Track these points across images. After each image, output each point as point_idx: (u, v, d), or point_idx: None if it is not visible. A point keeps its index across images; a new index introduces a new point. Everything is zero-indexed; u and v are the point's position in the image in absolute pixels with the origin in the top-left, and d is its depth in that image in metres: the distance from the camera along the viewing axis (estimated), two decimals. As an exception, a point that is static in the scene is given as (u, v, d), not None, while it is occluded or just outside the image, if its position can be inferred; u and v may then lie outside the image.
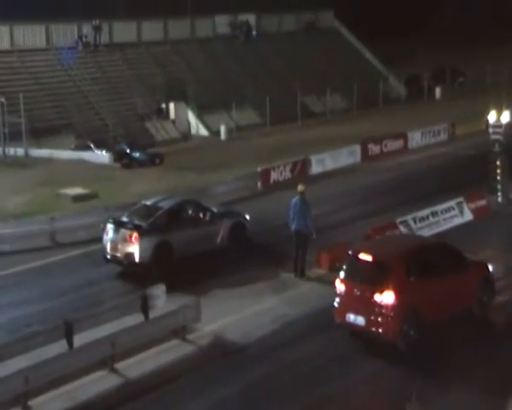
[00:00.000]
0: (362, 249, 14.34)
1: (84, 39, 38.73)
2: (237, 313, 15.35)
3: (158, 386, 12.70)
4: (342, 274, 14.12)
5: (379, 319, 13.30)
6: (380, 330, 13.35)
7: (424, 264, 13.89)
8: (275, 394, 12.37)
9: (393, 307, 13.22)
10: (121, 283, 17.48)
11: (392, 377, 12.80)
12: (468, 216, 21.11)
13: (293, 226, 17.24)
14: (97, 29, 39.21)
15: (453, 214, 20.74)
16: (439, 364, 13.08)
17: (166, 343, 14.06)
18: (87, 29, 39.07)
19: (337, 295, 14.07)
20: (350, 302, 13.78)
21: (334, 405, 11.98)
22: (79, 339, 13.22)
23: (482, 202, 21.81)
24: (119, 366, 13.20)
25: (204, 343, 14.20)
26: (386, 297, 13.27)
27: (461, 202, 21.13)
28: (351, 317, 13.73)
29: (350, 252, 14.50)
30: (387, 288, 13.27)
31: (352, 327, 13.90)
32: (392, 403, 11.77)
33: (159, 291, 15.04)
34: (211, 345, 14.15)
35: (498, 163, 22.54)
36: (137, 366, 13.30)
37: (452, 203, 20.97)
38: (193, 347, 14.09)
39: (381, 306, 13.28)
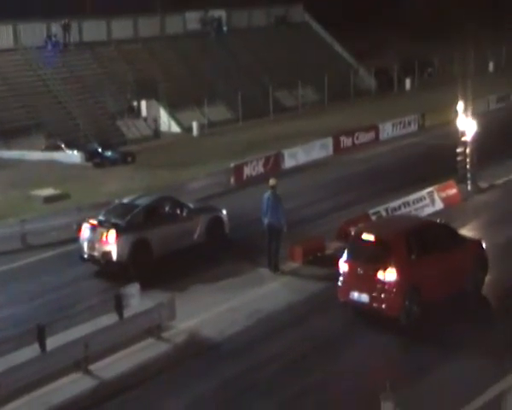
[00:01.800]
0: (364, 230, 14.92)
1: (53, 39, 38.30)
2: (212, 310, 15.35)
3: (134, 386, 12.64)
4: (345, 255, 14.63)
5: (382, 296, 13.90)
6: (383, 307, 13.94)
7: (424, 242, 14.52)
8: (251, 389, 12.39)
9: (396, 283, 13.81)
10: (96, 282, 17.40)
11: (370, 369, 12.93)
12: (439, 205, 21.37)
13: (265, 221, 17.27)
14: (66, 28, 38.81)
15: (424, 204, 20.97)
16: (438, 338, 13.55)
17: (141, 342, 14.00)
18: (56, 28, 38.64)
19: (340, 274, 14.59)
20: (353, 281, 14.35)
21: (310, 397, 12.03)
22: (53, 342, 13.10)
23: (452, 191, 22.08)
24: (93, 367, 13.11)
25: (179, 341, 14.17)
26: (389, 275, 13.86)
27: (432, 192, 21.37)
28: (355, 295, 14.29)
29: (352, 233, 15.26)
30: (390, 266, 13.88)
31: (356, 305, 14.43)
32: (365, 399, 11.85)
33: (133, 290, 14.96)
34: (186, 342, 14.12)
35: (467, 152, 22.81)
36: (112, 366, 13.22)
37: (423, 193, 21.20)
38: (168, 345, 14.06)
39: (383, 283, 13.89)
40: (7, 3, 38.80)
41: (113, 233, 17.18)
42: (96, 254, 17.46)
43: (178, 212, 18.55)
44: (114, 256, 17.17)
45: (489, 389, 11.71)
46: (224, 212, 19.35)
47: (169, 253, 17.76)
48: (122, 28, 41.63)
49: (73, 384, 12.66)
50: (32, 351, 12.87)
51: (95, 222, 17.78)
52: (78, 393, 12.44)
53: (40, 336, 13.06)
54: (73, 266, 18.12)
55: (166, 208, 18.52)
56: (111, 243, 17.15)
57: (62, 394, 12.38)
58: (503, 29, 54.41)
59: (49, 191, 24.60)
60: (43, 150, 31.77)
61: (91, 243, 17.54)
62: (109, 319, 14.15)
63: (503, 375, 12.04)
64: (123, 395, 12.42)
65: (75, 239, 19.18)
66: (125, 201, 18.70)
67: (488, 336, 13.76)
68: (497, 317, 14.93)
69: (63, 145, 31.59)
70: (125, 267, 17.18)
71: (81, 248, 17.83)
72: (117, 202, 19.51)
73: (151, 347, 13.92)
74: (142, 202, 18.36)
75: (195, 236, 18.56)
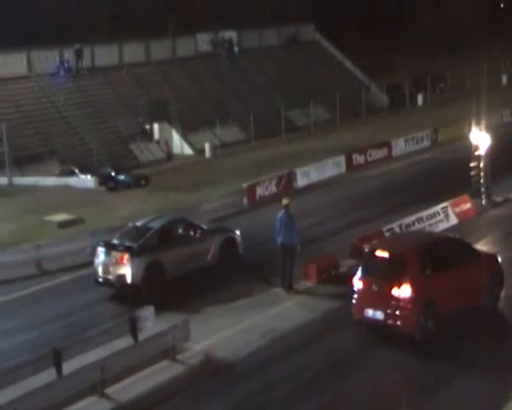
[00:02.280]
0: (378, 247, 14.89)
1: (65, 64, 38.76)
2: (226, 330, 15.32)
3: (149, 408, 12.63)
4: (359, 272, 14.59)
5: (397, 313, 13.82)
6: (398, 323, 13.83)
7: (438, 258, 14.48)
8: (268, 408, 12.33)
9: (410, 300, 13.76)
10: (111, 306, 17.44)
11: (389, 381, 12.81)
12: (454, 220, 21.25)
13: (278, 240, 17.27)
14: (79, 53, 39.28)
15: (438, 219, 20.87)
16: (453, 354, 13.50)
17: (157, 365, 13.99)
18: (68, 54, 39.13)
19: (355, 292, 14.53)
20: (368, 298, 14.29)
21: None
22: (69, 366, 13.13)
23: (467, 206, 21.96)
24: (109, 390, 13.11)
25: (194, 362, 14.14)
26: (404, 291, 13.79)
27: (446, 207, 21.27)
28: (369, 312, 14.21)
29: (366, 250, 15.22)
30: (404, 282, 13.81)
31: (371, 322, 14.35)
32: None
33: (147, 313, 14.99)
34: (201, 364, 14.10)
35: (481, 166, 22.71)
36: (128, 389, 13.22)
37: (437, 209, 21.11)
38: (183, 367, 14.04)
39: (398, 299, 13.81)
40: (20, 31, 39.42)
41: (127, 256, 17.25)
42: (110, 277, 17.52)
43: (192, 233, 18.60)
44: (129, 279, 17.23)
45: (504, 405, 11.57)
46: (238, 232, 19.36)
47: (183, 274, 17.79)
48: (134, 52, 42.05)
49: (90, 408, 12.69)
50: (48, 375, 12.90)
51: (109, 245, 17.85)
52: (94, 417, 12.47)
53: (56, 360, 13.09)
54: (88, 290, 18.16)
55: (180, 230, 18.58)
56: (125, 266, 17.23)
57: (78, 418, 12.41)
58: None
59: (63, 216, 24.75)
60: (57, 176, 32.02)
61: (106, 266, 17.62)
62: (124, 342, 14.17)
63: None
64: (139, 418, 12.43)
65: (90, 263, 19.29)
66: (139, 223, 18.79)
67: (504, 351, 13.59)
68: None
69: (77, 170, 31.83)
70: (139, 290, 17.23)
71: (95, 271, 17.92)
72: (130, 224, 19.60)
73: (166, 369, 13.90)
74: (156, 224, 18.43)
75: (209, 257, 18.59)
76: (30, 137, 34.80)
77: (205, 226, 19.15)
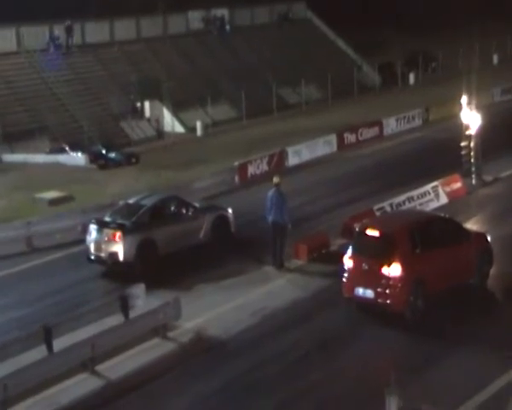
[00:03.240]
0: (369, 225, 14.90)
1: (55, 41, 38.37)
2: (217, 308, 15.39)
3: (140, 385, 12.69)
4: (350, 250, 14.61)
5: (387, 291, 13.88)
6: (388, 302, 13.91)
7: (428, 236, 14.52)
8: (257, 387, 12.42)
9: (400, 278, 13.82)
10: (103, 283, 17.48)
11: (367, 365, 12.92)
12: (444, 199, 21.34)
13: (270, 218, 17.30)
14: (69, 30, 38.87)
15: (429, 199, 20.96)
16: (443, 331, 13.60)
17: (147, 342, 14.05)
18: (59, 31, 38.71)
19: (345, 270, 14.55)
20: (358, 277, 14.33)
21: (312, 395, 12.03)
22: (60, 343, 13.16)
23: (457, 185, 22.04)
24: (100, 367, 13.16)
25: (185, 340, 14.21)
26: (394, 270, 13.83)
27: (436, 186, 21.35)
28: (359, 290, 14.26)
29: (357, 229, 15.17)
30: (394, 261, 13.86)
31: (361, 300, 14.41)
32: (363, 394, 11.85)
33: (138, 291, 15.04)
34: (192, 342, 14.16)
35: (472, 146, 22.75)
36: (119, 366, 13.28)
37: (428, 188, 21.18)
38: (174, 344, 14.10)
39: (388, 278, 13.86)
40: (9, 7, 38.88)
41: (119, 234, 17.25)
42: (102, 254, 17.55)
43: (184, 211, 18.61)
44: (121, 256, 17.26)
45: (493, 382, 11.71)
46: (230, 210, 19.37)
47: (175, 252, 17.82)
48: (125, 29, 41.60)
49: (80, 385, 12.74)
50: (39, 352, 12.93)
51: (101, 223, 17.81)
52: (85, 393, 12.52)
53: (47, 337, 13.13)
54: (79, 267, 18.17)
55: (172, 208, 18.59)
56: (118, 244, 17.24)
57: (70, 394, 12.45)
58: (506, 21, 54.20)
59: (53, 194, 24.66)
60: (47, 153, 31.82)
61: (98, 243, 17.63)
62: (115, 319, 14.20)
63: (506, 369, 12.04)
64: (129, 395, 12.48)
65: (80, 241, 19.28)
66: (131, 201, 18.76)
67: (493, 328, 13.72)
68: (502, 309, 14.91)
69: (67, 148, 31.64)
70: (131, 267, 17.25)
71: (88, 249, 17.91)
72: (121, 203, 19.56)
73: (157, 346, 13.96)
74: (148, 202, 18.42)
75: (201, 235, 18.61)
76: (20, 113, 34.50)
77: (197, 204, 19.16)
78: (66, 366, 12.74)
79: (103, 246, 17.49)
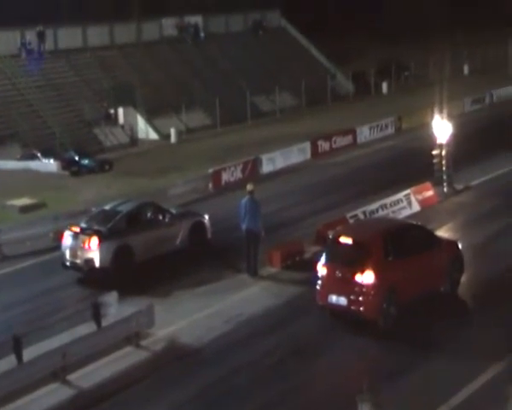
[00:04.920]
0: (341, 233, 14.94)
1: (27, 46, 37.97)
2: (191, 316, 15.31)
3: (112, 394, 12.55)
4: (323, 258, 14.64)
5: (360, 299, 13.91)
6: (361, 309, 13.94)
7: (401, 244, 14.60)
8: (231, 394, 12.37)
9: (373, 286, 13.86)
10: (75, 291, 17.28)
11: (345, 371, 12.96)
12: (416, 207, 21.54)
13: (243, 226, 17.28)
14: (41, 36, 38.50)
15: (401, 206, 21.12)
16: (415, 339, 13.67)
17: (120, 351, 13.91)
18: (30, 36, 38.32)
19: (319, 278, 14.55)
20: (332, 284, 14.35)
21: (287, 402, 12.02)
22: (30, 353, 12.96)
23: (429, 193, 22.27)
24: (71, 377, 12.99)
25: (158, 348, 14.10)
26: (367, 277, 13.88)
27: (408, 194, 21.54)
28: (333, 298, 14.27)
29: (330, 236, 15.23)
30: (367, 268, 13.90)
31: (334, 308, 14.43)
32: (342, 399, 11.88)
33: (111, 298, 14.88)
34: (165, 350, 14.06)
35: (443, 154, 23.01)
36: (91, 375, 13.12)
37: (400, 196, 21.35)
38: (147, 353, 13.98)
39: (361, 286, 13.90)
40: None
41: (95, 240, 17.12)
42: (78, 261, 17.40)
43: (160, 217, 18.54)
44: (97, 263, 17.13)
45: (465, 387, 11.82)
46: (207, 217, 19.36)
47: (151, 258, 17.73)
48: (98, 35, 41.37)
49: (51, 395, 12.55)
50: (8, 363, 12.72)
51: (77, 229, 17.64)
52: (56, 403, 12.35)
53: (16, 347, 12.91)
54: (51, 275, 17.97)
55: (148, 214, 18.50)
56: (93, 250, 17.10)
57: (40, 404, 12.27)
58: (477, 31, 55.08)
59: (24, 201, 24.35)
60: (18, 159, 31.43)
61: (74, 250, 17.46)
62: (87, 328, 14.05)
63: (477, 374, 12.16)
64: (102, 404, 12.34)
65: (52, 249, 19.07)
66: (107, 207, 18.62)
67: (464, 335, 13.85)
68: (472, 317, 15.06)
69: (39, 154, 31.30)
70: (107, 274, 17.10)
71: (63, 255, 17.72)
72: (93, 209, 19.38)
73: (130, 355, 13.83)
74: (124, 208, 18.32)
75: (178, 241, 18.54)
76: (-10, 119, 34.08)
77: (174, 210, 19.09)
78: (36, 376, 12.54)
79: (79, 252, 17.33)
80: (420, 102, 35.18)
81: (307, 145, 30.33)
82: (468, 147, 26.40)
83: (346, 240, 14.58)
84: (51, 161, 30.60)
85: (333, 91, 45.65)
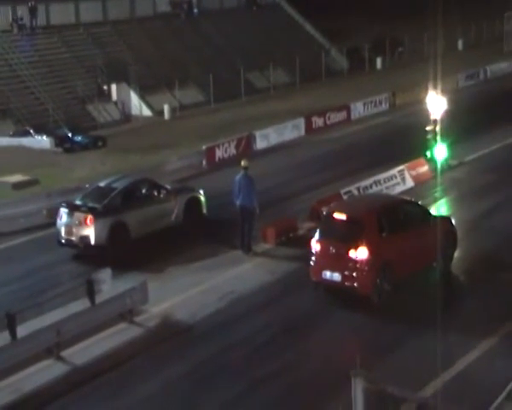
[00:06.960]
0: (336, 209, 14.90)
1: (19, 22, 37.55)
2: (185, 292, 15.33)
3: (106, 371, 12.59)
4: (317, 234, 14.59)
5: (354, 274, 13.93)
6: (355, 285, 13.96)
7: (395, 220, 14.61)
8: (225, 370, 12.42)
9: (367, 261, 13.87)
10: (69, 268, 17.24)
11: (331, 352, 13.02)
12: (410, 183, 21.53)
13: (238, 202, 17.25)
14: (33, 11, 38.06)
15: (395, 182, 21.12)
16: (408, 314, 13.69)
17: (114, 327, 13.92)
18: (22, 11, 37.89)
19: (313, 254, 14.52)
20: (325, 260, 14.34)
21: (281, 378, 12.08)
22: (24, 329, 12.97)
23: (423, 169, 22.25)
24: (65, 353, 13.01)
25: (151, 325, 14.12)
26: (361, 253, 13.89)
27: (402, 170, 21.53)
28: (327, 274, 14.27)
29: (324, 212, 15.19)
30: (361, 244, 13.91)
31: (328, 284, 14.43)
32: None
33: (105, 275, 14.87)
34: (158, 326, 14.08)
35: (437, 130, 22.95)
36: (84, 352, 13.14)
37: (394, 171, 21.34)
38: (140, 329, 14.00)
39: (355, 261, 13.91)
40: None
41: (90, 217, 17.08)
42: (73, 238, 17.37)
43: (156, 193, 18.52)
44: (92, 240, 17.11)
45: (457, 361, 11.90)
46: (202, 192, 19.32)
47: (147, 235, 17.71)
48: (91, 11, 40.91)
49: (45, 371, 12.58)
50: (2, 339, 12.71)
51: (72, 206, 17.58)
52: (50, 379, 12.36)
53: (10, 323, 12.92)
54: (44, 252, 17.95)
55: (144, 190, 18.46)
56: (89, 227, 17.07)
57: (34, 381, 12.29)
58: (471, 6, 54.68)
59: (17, 177, 24.24)
60: (11, 136, 31.24)
61: (69, 227, 17.42)
62: (81, 304, 14.05)
63: (470, 349, 12.25)
64: (96, 380, 12.37)
65: (45, 225, 19.01)
66: (102, 184, 18.54)
67: (457, 311, 13.93)
68: (466, 292, 15.13)
69: (32, 131, 31.09)
70: (103, 250, 17.09)
71: (58, 232, 17.68)
72: (87, 186, 19.31)
73: (123, 331, 13.85)
74: (120, 184, 18.25)
75: (173, 217, 18.54)
76: (-18, 96, 33.81)
77: (169, 186, 19.05)
78: (30, 353, 12.55)
79: (74, 229, 17.30)
80: (414, 78, 35.04)
81: (301, 121, 30.22)
82: (462, 122, 26.35)
83: (339, 216, 14.59)
84: (44, 137, 30.40)
85: (327, 67, 45.41)
